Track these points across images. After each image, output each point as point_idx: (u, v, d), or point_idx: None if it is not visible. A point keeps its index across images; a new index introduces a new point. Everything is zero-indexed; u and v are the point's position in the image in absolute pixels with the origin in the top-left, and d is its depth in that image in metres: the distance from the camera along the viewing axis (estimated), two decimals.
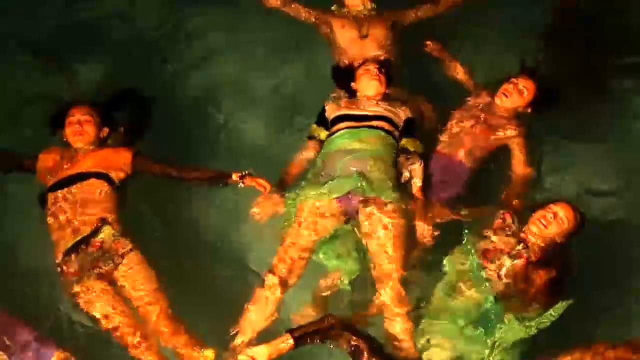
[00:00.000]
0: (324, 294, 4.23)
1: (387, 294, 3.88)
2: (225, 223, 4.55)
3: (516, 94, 4.44)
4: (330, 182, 4.03)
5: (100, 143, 4.23)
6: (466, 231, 4.01)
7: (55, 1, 5.33)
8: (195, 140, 4.81)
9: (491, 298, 3.79)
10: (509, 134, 4.41)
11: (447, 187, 4.34)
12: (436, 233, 4.12)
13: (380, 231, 3.96)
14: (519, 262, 3.85)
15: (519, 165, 4.40)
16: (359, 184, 3.98)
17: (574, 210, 3.94)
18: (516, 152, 4.42)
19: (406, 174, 4.22)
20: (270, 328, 3.90)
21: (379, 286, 3.94)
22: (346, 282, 4.12)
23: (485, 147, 4.44)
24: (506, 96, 4.45)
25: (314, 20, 5.03)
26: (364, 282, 4.12)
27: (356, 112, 4.25)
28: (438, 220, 4.18)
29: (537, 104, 4.47)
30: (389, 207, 4.00)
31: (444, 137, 4.47)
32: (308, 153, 4.34)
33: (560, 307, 3.69)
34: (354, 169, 4.04)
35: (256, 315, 3.90)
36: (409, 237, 4.05)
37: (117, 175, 4.10)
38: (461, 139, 4.42)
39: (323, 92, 4.77)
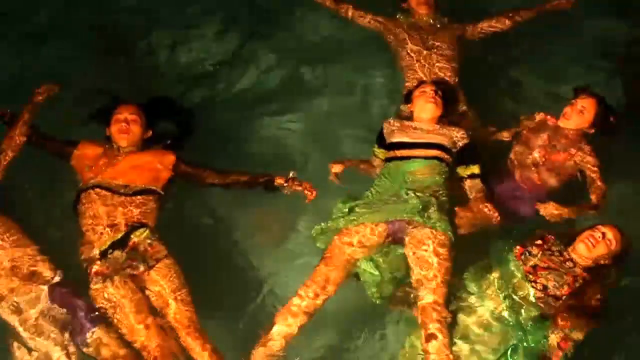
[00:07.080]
0: None
1: (434, 345, 3.72)
2: (251, 242, 4.48)
3: (576, 115, 4.36)
4: (385, 205, 3.98)
5: (142, 144, 4.20)
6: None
7: None
8: (241, 146, 4.78)
9: (514, 341, 3.74)
10: (580, 157, 4.31)
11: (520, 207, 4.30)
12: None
13: (427, 261, 3.85)
14: (568, 278, 3.83)
15: (595, 192, 4.24)
16: (416, 215, 3.90)
17: (622, 233, 3.90)
18: (591, 177, 4.28)
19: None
20: None
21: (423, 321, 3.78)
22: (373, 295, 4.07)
23: (560, 174, 4.35)
24: (567, 118, 4.37)
25: (381, 28, 4.94)
26: None
27: (411, 140, 4.18)
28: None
29: (602, 123, 4.35)
30: (438, 237, 3.89)
31: (516, 165, 4.41)
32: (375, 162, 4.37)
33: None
34: (411, 194, 3.98)
35: (286, 326, 3.81)
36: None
37: (160, 185, 4.08)
38: (536, 168, 4.36)
39: (379, 104, 4.82)
